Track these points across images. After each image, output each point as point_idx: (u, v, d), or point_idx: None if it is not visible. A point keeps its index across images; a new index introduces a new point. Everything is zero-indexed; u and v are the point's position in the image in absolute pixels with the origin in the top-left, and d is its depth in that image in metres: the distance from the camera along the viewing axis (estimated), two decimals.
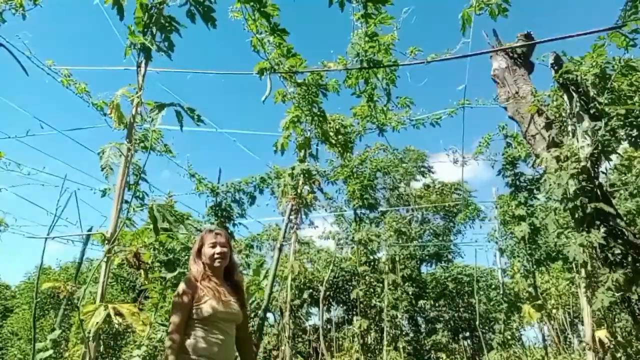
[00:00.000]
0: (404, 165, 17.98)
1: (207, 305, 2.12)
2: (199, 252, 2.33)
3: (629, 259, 3.68)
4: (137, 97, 2.03)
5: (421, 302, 13.74)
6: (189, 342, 2.08)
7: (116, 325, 1.85)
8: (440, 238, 18.07)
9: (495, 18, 2.84)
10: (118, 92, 2.01)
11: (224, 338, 2.14)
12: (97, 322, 1.75)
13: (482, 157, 7.53)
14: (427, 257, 17.66)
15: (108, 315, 1.81)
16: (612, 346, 3.80)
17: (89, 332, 1.76)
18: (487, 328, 11.99)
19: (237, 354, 2.36)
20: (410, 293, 12.51)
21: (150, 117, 1.98)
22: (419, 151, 18.86)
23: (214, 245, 2.30)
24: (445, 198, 18.34)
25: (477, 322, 9.40)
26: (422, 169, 18.99)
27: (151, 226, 1.88)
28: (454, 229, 18.61)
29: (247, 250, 10.18)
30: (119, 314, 1.84)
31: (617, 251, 3.70)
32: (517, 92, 5.01)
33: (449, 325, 15.70)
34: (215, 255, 2.29)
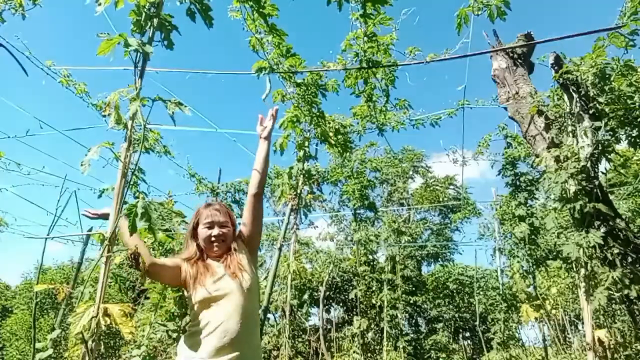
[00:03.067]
0: (402, 165, 18.05)
1: (199, 290, 1.81)
2: (195, 231, 1.98)
3: (629, 259, 3.68)
4: (135, 97, 2.03)
5: (419, 299, 13.73)
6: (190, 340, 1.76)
7: (103, 327, 1.78)
8: (439, 237, 18.12)
9: (494, 20, 2.84)
10: (115, 92, 2.01)
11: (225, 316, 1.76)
12: (84, 324, 1.70)
13: (482, 157, 7.54)
14: (426, 257, 17.69)
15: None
16: (612, 346, 3.80)
17: (87, 333, 1.75)
18: (484, 328, 11.99)
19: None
20: (409, 292, 12.52)
21: (128, 108, 1.95)
22: (416, 151, 19.01)
23: (210, 226, 1.93)
24: (438, 194, 18.46)
25: (477, 322, 9.41)
26: (419, 169, 19.11)
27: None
28: (451, 226, 18.70)
29: None
30: (107, 314, 1.75)
31: (616, 251, 3.70)
32: (517, 93, 5.01)
33: (449, 325, 15.71)
34: (212, 239, 1.92)
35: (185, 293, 1.90)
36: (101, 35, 1.98)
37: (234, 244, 1.97)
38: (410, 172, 18.90)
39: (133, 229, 1.76)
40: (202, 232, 1.94)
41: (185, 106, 2.02)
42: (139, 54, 2.09)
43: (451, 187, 19.14)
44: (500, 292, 8.81)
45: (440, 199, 18.32)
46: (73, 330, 1.69)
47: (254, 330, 1.84)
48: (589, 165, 3.91)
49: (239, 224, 2.15)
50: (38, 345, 2.62)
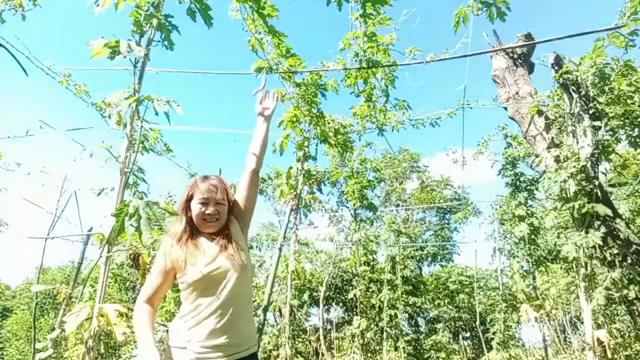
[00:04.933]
0: (402, 165, 18.11)
1: (193, 271, 1.68)
2: (188, 204, 1.83)
3: (628, 259, 3.68)
4: (134, 97, 2.03)
5: (418, 299, 13.74)
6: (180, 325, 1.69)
7: (96, 327, 1.73)
8: (438, 237, 18.17)
9: (494, 21, 2.83)
10: (116, 92, 2.01)
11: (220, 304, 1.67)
12: (79, 323, 1.67)
13: (482, 157, 7.54)
14: (426, 257, 17.71)
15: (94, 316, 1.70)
16: (612, 346, 3.80)
17: (86, 332, 1.75)
18: (484, 328, 12.00)
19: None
20: (408, 293, 12.52)
21: (118, 106, 1.94)
22: (412, 152, 19.15)
23: (205, 202, 1.79)
24: (435, 194, 18.55)
25: (477, 322, 9.40)
26: (417, 169, 19.24)
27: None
28: (450, 226, 18.78)
29: None
30: (101, 314, 1.69)
31: (616, 251, 3.70)
32: (517, 93, 5.01)
33: (449, 326, 15.71)
34: (206, 217, 1.79)
35: (177, 276, 1.76)
36: (90, 44, 1.99)
37: (232, 228, 1.87)
38: (407, 173, 19.00)
39: (121, 229, 1.71)
40: (196, 207, 1.80)
41: (177, 104, 2.01)
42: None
43: (448, 187, 19.24)
44: (500, 293, 8.82)
45: (437, 200, 18.40)
46: (67, 329, 1.66)
47: (248, 313, 1.78)
48: (588, 165, 3.91)
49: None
50: (38, 345, 2.62)
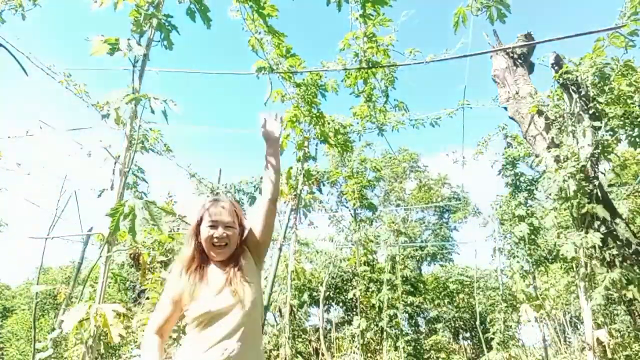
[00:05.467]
0: (402, 165, 18.11)
1: (196, 304, 1.64)
2: (198, 229, 1.76)
3: (628, 260, 3.68)
4: (132, 96, 2.03)
5: (418, 299, 13.74)
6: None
7: (94, 328, 1.72)
8: (437, 237, 18.18)
9: (493, 22, 2.82)
10: (115, 91, 2.01)
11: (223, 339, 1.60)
12: (76, 324, 1.67)
13: (482, 157, 7.54)
14: (426, 257, 17.72)
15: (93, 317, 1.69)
16: (612, 346, 3.80)
17: (86, 332, 1.75)
18: (484, 328, 12.01)
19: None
20: (408, 293, 12.53)
21: (115, 105, 1.95)
22: (411, 151, 19.18)
23: (213, 225, 1.72)
24: (432, 193, 18.58)
25: (477, 322, 9.41)
26: (416, 169, 19.26)
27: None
28: (449, 226, 18.80)
29: None
30: (99, 314, 1.68)
31: (615, 251, 3.70)
32: (517, 93, 5.01)
33: (449, 326, 15.71)
34: (214, 241, 1.72)
35: (183, 306, 1.70)
36: (90, 40, 2.00)
37: (243, 260, 1.77)
38: (407, 172, 19.00)
39: (116, 229, 1.70)
40: (204, 231, 1.73)
41: (174, 102, 2.01)
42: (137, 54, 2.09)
43: (446, 186, 19.26)
44: (500, 293, 8.82)
45: (434, 199, 18.43)
46: (64, 328, 1.66)
47: (255, 347, 1.70)
48: (588, 165, 3.92)
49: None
50: (38, 345, 2.62)
